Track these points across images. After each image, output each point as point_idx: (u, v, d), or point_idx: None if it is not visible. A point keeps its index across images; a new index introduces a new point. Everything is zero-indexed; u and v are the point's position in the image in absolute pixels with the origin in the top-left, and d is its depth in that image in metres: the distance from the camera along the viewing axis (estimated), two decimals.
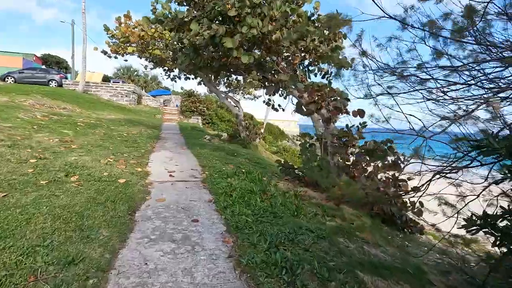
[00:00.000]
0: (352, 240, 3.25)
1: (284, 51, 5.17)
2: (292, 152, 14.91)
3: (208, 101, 23.31)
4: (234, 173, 5.01)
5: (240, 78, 12.28)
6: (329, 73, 5.91)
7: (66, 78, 21.85)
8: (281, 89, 4.82)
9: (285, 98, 6.69)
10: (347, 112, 4.63)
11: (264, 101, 6.99)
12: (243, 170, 5.41)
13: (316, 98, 4.47)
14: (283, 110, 7.04)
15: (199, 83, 11.85)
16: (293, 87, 4.57)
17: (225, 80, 11.44)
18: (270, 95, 5.78)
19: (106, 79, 23.76)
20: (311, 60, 5.57)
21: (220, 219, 3.08)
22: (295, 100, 7.19)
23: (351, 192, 2.86)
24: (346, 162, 4.94)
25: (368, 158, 4.36)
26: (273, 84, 4.93)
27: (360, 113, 4.69)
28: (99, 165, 4.59)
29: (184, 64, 6.37)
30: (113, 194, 3.43)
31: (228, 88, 12.21)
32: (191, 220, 2.99)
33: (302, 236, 2.81)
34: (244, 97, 15.54)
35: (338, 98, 4.45)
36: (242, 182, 4.49)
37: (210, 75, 9.12)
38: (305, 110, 4.56)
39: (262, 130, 10.75)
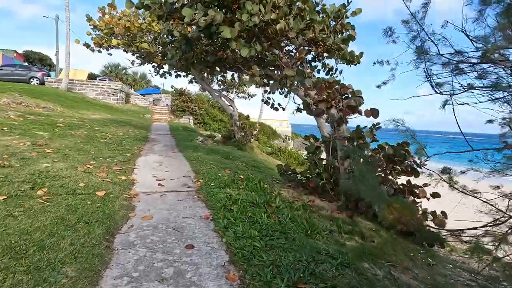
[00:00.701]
0: (377, 264, 2.74)
1: (288, 43, 4.63)
2: (288, 153, 14.38)
3: (200, 100, 22.61)
4: (232, 181, 4.44)
5: (235, 75, 11.68)
6: (334, 69, 5.38)
7: (48, 75, 20.72)
8: (285, 86, 4.30)
9: (285, 96, 6.15)
10: (360, 112, 4.12)
11: (262, 100, 6.43)
12: (242, 177, 4.86)
13: (325, 96, 3.95)
14: (283, 109, 6.51)
15: (191, 81, 11.19)
16: (300, 84, 4.03)
17: (219, 78, 10.80)
18: (272, 93, 5.21)
19: (92, 77, 22.69)
20: (316, 54, 5.03)
21: (220, 243, 2.51)
22: (297, 99, 6.65)
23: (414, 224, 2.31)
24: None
25: (386, 164, 3.87)
26: (275, 81, 4.38)
27: (374, 112, 4.19)
28: (75, 173, 3.94)
29: (174, 58, 5.72)
30: (88, 212, 2.82)
31: (222, 86, 11.55)
32: (184, 246, 2.41)
33: (324, 266, 2.28)
34: (238, 96, 14.92)
35: (350, 95, 3.95)
36: (243, 192, 3.93)
37: (203, 72, 8.49)
38: (313, 110, 4.03)
39: (257, 131, 10.19)
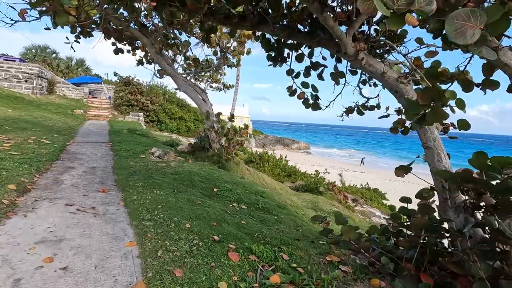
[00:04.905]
0: None
1: None
2: (273, 161, 11.27)
3: (153, 92, 18.26)
4: None
5: (213, 55, 8.04)
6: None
7: None
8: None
9: (337, 82, 3.07)
10: None
11: (289, 89, 3.29)
12: None
13: None
14: (318, 107, 3.46)
15: (140, 62, 7.41)
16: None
17: (188, 55, 7.16)
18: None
19: None
20: None
21: None
22: (371, 90, 3.58)
23: None
24: None
25: None
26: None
27: None
28: None
29: None
30: None
31: (190, 69, 7.85)
32: None
33: None
34: (212, 87, 11.06)
35: None
36: None
37: (162, 38, 4.90)
38: None
39: (243, 138, 6.98)
